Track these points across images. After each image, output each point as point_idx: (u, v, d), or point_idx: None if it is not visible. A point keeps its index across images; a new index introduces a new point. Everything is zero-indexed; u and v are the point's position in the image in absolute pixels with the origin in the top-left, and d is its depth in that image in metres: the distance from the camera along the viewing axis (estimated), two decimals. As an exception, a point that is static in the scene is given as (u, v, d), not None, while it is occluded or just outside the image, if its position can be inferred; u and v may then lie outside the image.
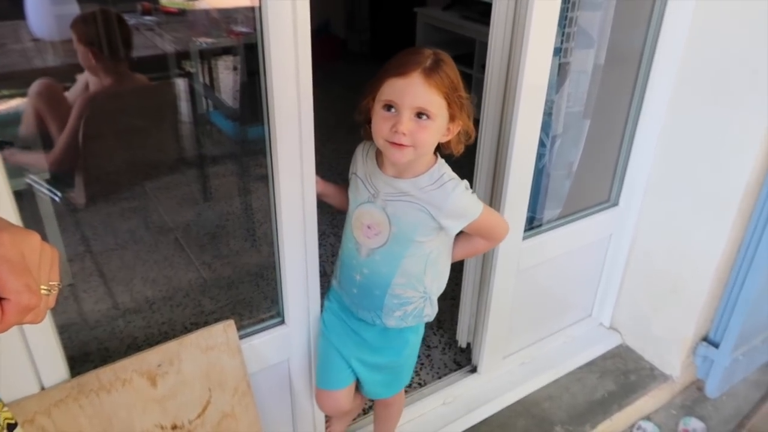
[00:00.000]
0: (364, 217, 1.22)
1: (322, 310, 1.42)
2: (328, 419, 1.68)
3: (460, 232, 1.24)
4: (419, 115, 1.07)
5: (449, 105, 1.09)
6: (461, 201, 1.17)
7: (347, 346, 1.37)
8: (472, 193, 1.20)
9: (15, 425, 0.64)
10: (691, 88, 1.70)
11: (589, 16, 1.63)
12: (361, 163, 1.25)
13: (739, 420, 1.94)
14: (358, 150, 1.27)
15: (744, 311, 1.80)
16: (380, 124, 1.09)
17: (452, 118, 1.12)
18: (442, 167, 1.19)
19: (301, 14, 1.08)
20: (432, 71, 1.06)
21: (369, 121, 1.14)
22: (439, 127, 1.10)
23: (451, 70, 1.09)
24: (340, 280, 1.35)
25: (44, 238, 0.56)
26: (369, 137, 1.18)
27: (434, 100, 1.07)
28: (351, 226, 1.26)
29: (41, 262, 0.54)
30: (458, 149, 1.19)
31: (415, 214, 1.18)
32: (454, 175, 1.19)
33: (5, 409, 0.65)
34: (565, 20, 1.55)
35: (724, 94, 1.64)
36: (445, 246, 1.27)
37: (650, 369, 2.03)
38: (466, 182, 1.20)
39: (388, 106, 1.08)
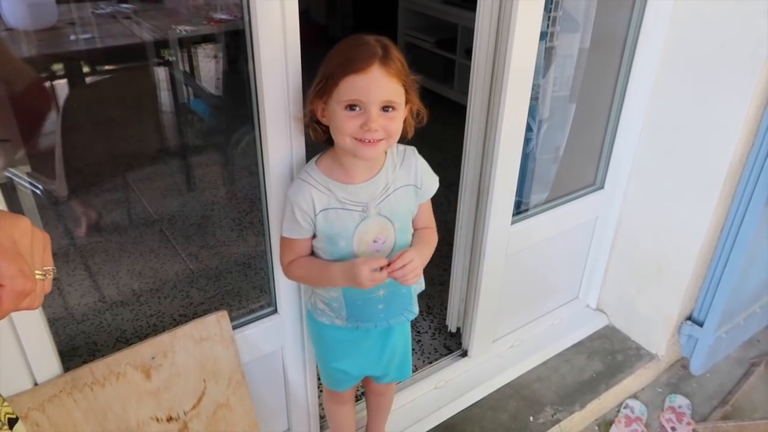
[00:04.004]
0: (368, 235, 1.17)
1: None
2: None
3: None
4: (385, 107, 1.05)
5: (406, 90, 1.08)
6: (423, 161, 1.21)
7: (369, 364, 1.38)
8: None
9: (16, 420, 0.63)
10: (675, 72, 1.72)
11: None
12: (323, 197, 1.14)
13: (723, 396, 1.99)
14: (301, 194, 1.13)
15: (727, 290, 1.84)
16: (345, 124, 1.04)
17: (406, 100, 1.10)
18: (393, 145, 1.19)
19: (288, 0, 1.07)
20: (387, 60, 1.02)
21: (317, 122, 1.11)
22: (403, 113, 1.09)
23: (397, 52, 1.06)
24: (349, 314, 1.26)
25: None
26: (319, 138, 1.14)
27: (396, 90, 1.04)
28: (353, 254, 1.17)
29: (33, 247, 0.53)
30: (411, 131, 1.16)
31: (403, 197, 1.18)
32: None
33: (5, 404, 0.64)
34: (550, 4, 1.55)
35: (706, 76, 1.66)
36: None
37: (636, 348, 2.06)
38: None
39: (352, 106, 1.03)
